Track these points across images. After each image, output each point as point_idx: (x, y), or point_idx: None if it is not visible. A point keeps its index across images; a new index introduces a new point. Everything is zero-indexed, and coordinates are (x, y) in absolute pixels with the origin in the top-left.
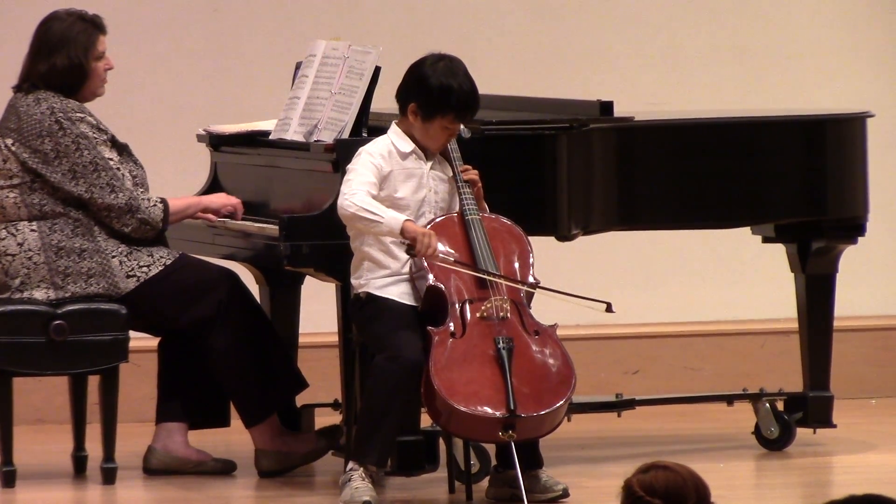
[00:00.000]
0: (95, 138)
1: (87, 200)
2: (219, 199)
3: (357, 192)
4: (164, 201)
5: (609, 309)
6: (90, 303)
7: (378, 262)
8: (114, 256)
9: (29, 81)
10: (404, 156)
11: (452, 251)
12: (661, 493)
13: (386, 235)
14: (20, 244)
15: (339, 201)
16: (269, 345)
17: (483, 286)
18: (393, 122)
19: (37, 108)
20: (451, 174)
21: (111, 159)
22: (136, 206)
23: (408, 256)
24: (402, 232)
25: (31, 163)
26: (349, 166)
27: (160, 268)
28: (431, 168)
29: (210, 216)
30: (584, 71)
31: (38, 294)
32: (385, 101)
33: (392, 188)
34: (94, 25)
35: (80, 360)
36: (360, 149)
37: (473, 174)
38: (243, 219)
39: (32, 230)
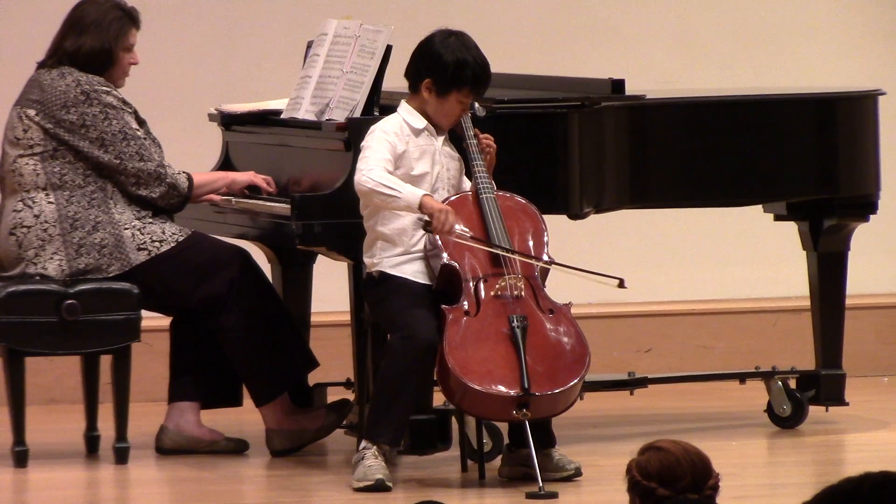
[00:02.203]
0: (122, 108)
1: (117, 167)
2: (246, 176)
3: (374, 167)
4: (186, 172)
5: (622, 285)
6: (102, 282)
7: (391, 240)
8: (126, 229)
9: (54, 58)
10: (417, 132)
11: (467, 229)
12: (655, 475)
13: (403, 210)
14: (37, 216)
15: (357, 177)
16: (279, 324)
17: (497, 264)
18: (403, 101)
19: (62, 80)
20: (460, 154)
21: (138, 129)
22: (165, 173)
23: (420, 233)
24: (421, 207)
25: (56, 131)
26: (364, 143)
27: (172, 244)
28: (442, 145)
29: (214, 197)
30: (596, 49)
31: (51, 266)
32: (396, 79)
33: (408, 165)
34: (129, 17)
35: (92, 340)
36: (373, 126)
37: (490, 141)
38: (256, 198)
39: (50, 202)
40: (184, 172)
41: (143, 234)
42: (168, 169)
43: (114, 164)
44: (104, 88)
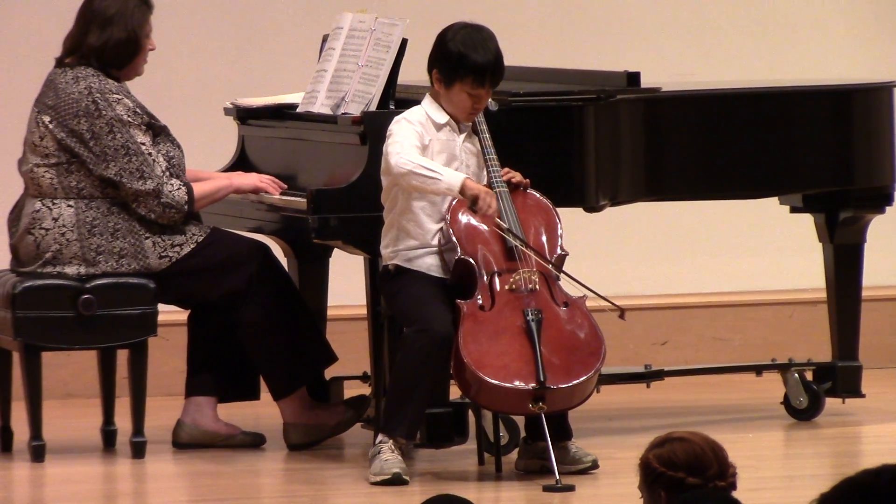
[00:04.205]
0: (130, 121)
1: (118, 184)
2: (250, 180)
3: (409, 150)
4: (188, 185)
5: (622, 316)
6: (119, 277)
7: (408, 231)
8: (147, 237)
9: (76, 54)
10: (439, 127)
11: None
12: (683, 465)
13: (444, 193)
14: (55, 219)
15: (393, 160)
16: (299, 318)
17: (511, 258)
18: (427, 94)
19: (75, 86)
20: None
21: (143, 143)
22: (162, 191)
23: (435, 227)
24: (463, 189)
25: (67, 142)
26: (391, 129)
27: (192, 245)
28: (464, 141)
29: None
30: (611, 42)
31: (69, 269)
32: (412, 73)
33: (428, 158)
34: (145, 3)
35: (109, 335)
36: (398, 116)
37: (514, 175)
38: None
39: (69, 206)
40: (183, 186)
41: (163, 241)
42: (166, 186)
43: (115, 180)
44: (115, 97)
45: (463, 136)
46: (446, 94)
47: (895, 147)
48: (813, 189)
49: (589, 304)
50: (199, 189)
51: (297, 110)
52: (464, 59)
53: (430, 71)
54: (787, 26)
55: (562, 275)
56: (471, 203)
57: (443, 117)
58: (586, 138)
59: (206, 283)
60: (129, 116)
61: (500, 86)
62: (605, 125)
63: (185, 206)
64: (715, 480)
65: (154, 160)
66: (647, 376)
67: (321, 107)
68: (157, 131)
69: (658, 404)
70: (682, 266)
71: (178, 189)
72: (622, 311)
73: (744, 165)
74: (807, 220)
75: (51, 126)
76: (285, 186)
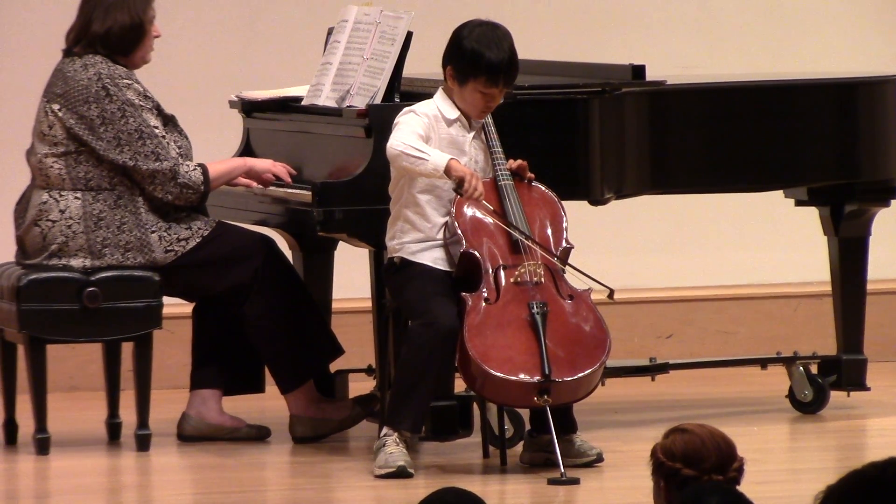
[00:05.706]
0: (141, 105)
1: (132, 168)
2: (264, 163)
3: (407, 135)
4: (202, 165)
5: (610, 296)
6: (123, 270)
7: (413, 223)
8: (153, 231)
9: (83, 42)
10: (449, 122)
11: (491, 206)
12: (680, 456)
13: (430, 174)
14: (62, 211)
15: (388, 143)
16: (305, 311)
17: (517, 251)
18: (440, 88)
19: (84, 73)
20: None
21: (156, 127)
22: (179, 172)
23: (441, 221)
24: (448, 171)
25: (76, 129)
26: (397, 119)
27: (198, 240)
28: (474, 138)
29: (251, 182)
30: (616, 35)
31: (75, 262)
32: (417, 66)
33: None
34: None
35: (114, 327)
36: (408, 108)
37: (518, 164)
38: (276, 185)
39: (76, 198)
40: (198, 167)
41: (169, 235)
42: (182, 167)
43: (129, 165)
44: (125, 82)
45: (473, 132)
46: (459, 91)
47: None
48: (818, 182)
49: (594, 297)
50: (213, 169)
51: (302, 103)
52: (478, 57)
53: (444, 67)
54: (792, 19)
55: (566, 267)
56: (456, 185)
57: (454, 113)
58: (591, 131)
59: (212, 277)
60: (140, 100)
61: (507, 84)
62: (610, 118)
63: (202, 187)
64: (711, 474)
65: (168, 143)
66: (652, 369)
67: (326, 100)
68: (165, 121)
69: (663, 397)
70: (686, 259)
71: (194, 170)
72: (612, 292)
73: (748, 159)
74: (812, 214)
75: (60, 114)
76: (295, 173)
